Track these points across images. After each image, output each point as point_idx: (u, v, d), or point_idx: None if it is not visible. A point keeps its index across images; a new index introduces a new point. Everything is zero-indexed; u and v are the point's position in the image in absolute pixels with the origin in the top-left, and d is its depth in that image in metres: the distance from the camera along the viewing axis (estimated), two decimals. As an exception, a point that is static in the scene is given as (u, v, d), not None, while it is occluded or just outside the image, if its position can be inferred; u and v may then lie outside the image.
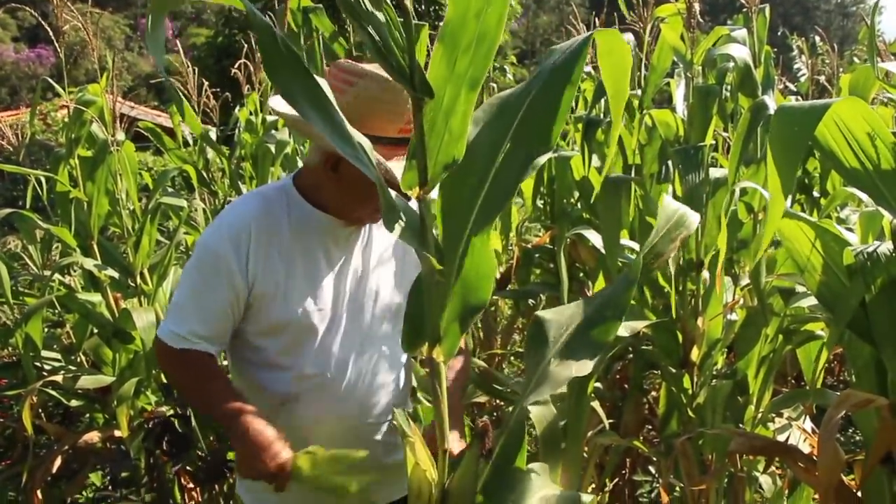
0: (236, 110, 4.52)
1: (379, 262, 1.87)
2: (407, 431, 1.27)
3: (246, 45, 4.36)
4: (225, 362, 2.19)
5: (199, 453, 3.09)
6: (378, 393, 1.89)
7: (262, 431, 1.62)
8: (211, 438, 3.00)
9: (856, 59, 6.80)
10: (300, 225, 1.80)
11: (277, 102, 1.75)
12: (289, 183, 1.86)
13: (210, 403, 1.79)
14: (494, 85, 4.06)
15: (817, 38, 6.40)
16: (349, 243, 1.84)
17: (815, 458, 2.29)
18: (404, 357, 1.95)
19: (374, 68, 1.62)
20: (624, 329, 2.42)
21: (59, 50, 3.26)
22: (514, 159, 1.12)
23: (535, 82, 1.14)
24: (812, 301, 2.30)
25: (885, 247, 1.78)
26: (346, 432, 1.82)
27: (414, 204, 1.15)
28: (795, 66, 6.59)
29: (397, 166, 1.53)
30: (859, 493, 1.90)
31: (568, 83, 1.10)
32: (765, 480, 2.70)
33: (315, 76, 0.99)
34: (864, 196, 2.09)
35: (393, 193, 1.10)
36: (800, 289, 2.38)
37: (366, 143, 1.07)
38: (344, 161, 1.63)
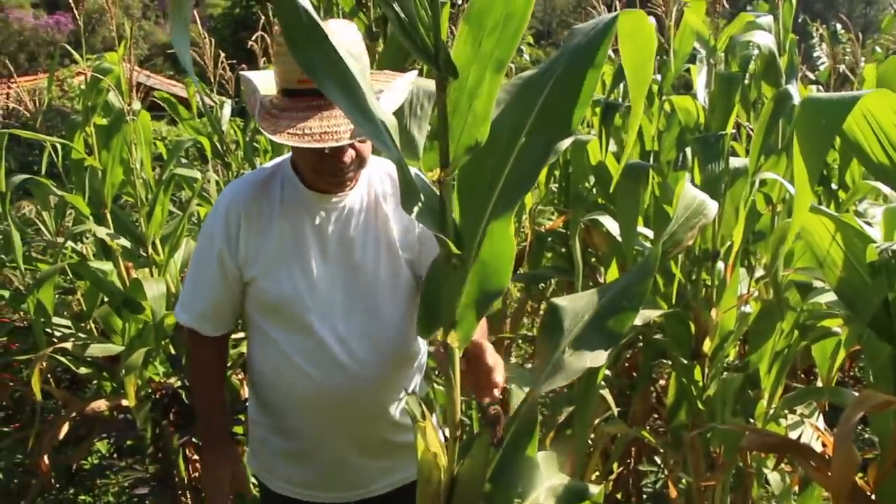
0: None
1: (372, 236, 1.84)
2: (418, 416, 1.26)
3: (263, 17, 4.33)
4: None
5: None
6: (385, 368, 1.87)
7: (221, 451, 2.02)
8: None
9: (878, 48, 6.69)
10: (291, 203, 1.81)
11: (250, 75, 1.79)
12: (286, 161, 1.87)
13: (196, 393, 2.09)
14: (512, 65, 4.00)
15: (839, 26, 6.30)
16: (338, 218, 1.82)
17: (828, 457, 2.28)
18: (414, 337, 1.93)
19: None
20: (637, 317, 2.39)
21: (77, 17, 3.25)
22: (535, 144, 1.09)
23: (558, 64, 1.10)
24: (830, 297, 2.27)
25: (910, 244, 1.75)
26: (354, 407, 1.81)
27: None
28: (815, 55, 6.50)
29: (315, 125, 1.55)
30: (873, 497, 1.87)
31: (591, 66, 1.07)
32: (773, 477, 2.68)
33: (339, 50, 0.95)
34: (887, 190, 2.06)
35: (413, 171, 1.06)
36: (817, 284, 2.35)
37: (389, 120, 1.02)
38: None
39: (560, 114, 1.08)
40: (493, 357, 1.67)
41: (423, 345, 2.00)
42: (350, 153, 1.70)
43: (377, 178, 1.87)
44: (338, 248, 1.81)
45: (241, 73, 1.88)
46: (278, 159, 1.94)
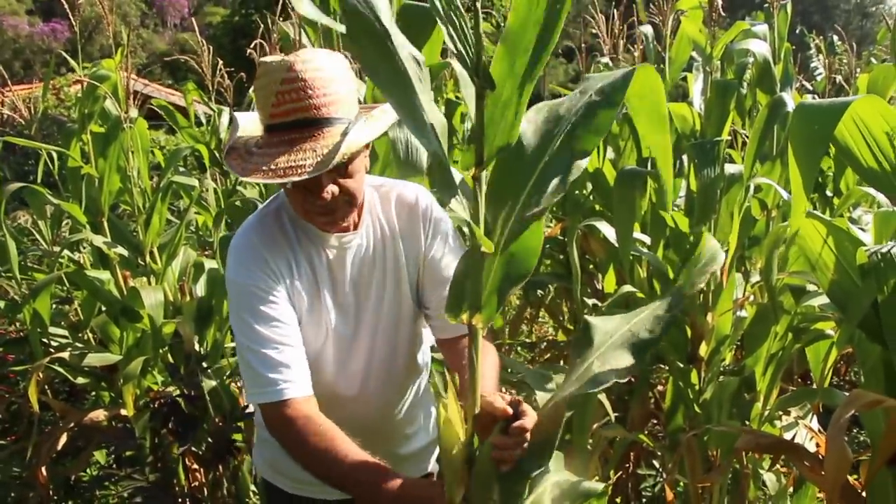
0: (250, 90, 4.51)
1: (377, 269, 1.82)
2: (441, 392, 1.32)
3: (262, 25, 4.35)
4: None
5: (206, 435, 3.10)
6: (392, 393, 1.89)
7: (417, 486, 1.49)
8: (217, 419, 3.00)
9: (873, 60, 6.74)
10: (303, 244, 1.75)
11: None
12: (284, 201, 1.78)
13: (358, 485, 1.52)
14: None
15: (835, 38, 6.35)
16: (346, 256, 1.77)
17: (821, 457, 2.29)
18: (416, 354, 1.94)
19: (269, 58, 1.56)
20: (633, 322, 2.41)
21: (74, 24, 3.26)
22: (560, 157, 1.25)
23: (582, 102, 1.28)
24: (823, 300, 2.29)
25: (901, 248, 1.76)
26: (363, 430, 1.80)
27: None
28: (812, 65, 6.54)
29: (283, 160, 1.49)
30: (864, 493, 1.89)
31: (610, 108, 1.25)
32: (769, 478, 2.69)
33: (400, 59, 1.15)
34: (879, 196, 2.08)
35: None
36: (810, 287, 2.37)
37: (438, 121, 1.17)
38: None
39: (581, 143, 1.25)
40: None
41: (425, 354, 2.00)
42: (330, 189, 1.59)
43: (385, 216, 1.82)
44: (349, 288, 1.80)
45: (234, 113, 1.82)
46: (272, 202, 1.84)
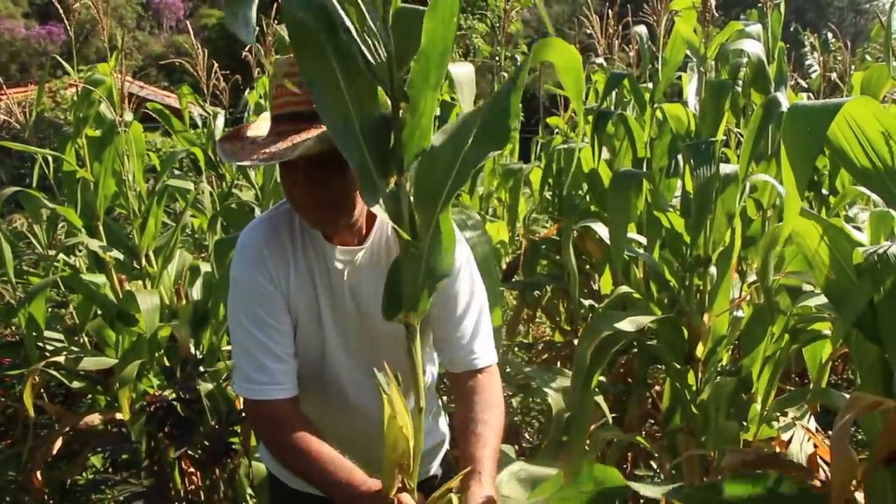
0: (246, 93, 4.51)
1: (374, 282, 1.82)
2: (385, 388, 1.35)
3: (257, 28, 4.34)
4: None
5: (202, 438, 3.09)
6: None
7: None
8: (213, 423, 3.00)
9: (868, 57, 6.74)
10: (306, 251, 1.75)
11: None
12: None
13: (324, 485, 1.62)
14: (505, 74, 4.01)
15: (829, 35, 6.35)
16: (349, 268, 1.76)
17: (819, 459, 2.29)
18: (425, 374, 1.92)
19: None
20: (629, 324, 2.41)
21: (69, 27, 3.25)
22: (472, 156, 1.35)
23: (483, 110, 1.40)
24: (820, 300, 2.29)
25: (896, 248, 1.76)
26: (358, 447, 1.79)
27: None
28: (807, 63, 6.54)
29: (273, 148, 1.53)
30: (860, 495, 1.88)
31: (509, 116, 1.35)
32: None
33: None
34: (874, 195, 2.08)
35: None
36: (807, 288, 2.37)
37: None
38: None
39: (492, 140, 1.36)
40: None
41: (431, 361, 1.99)
42: (303, 184, 1.61)
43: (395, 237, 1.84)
44: (350, 300, 1.79)
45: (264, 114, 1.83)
46: (283, 204, 1.83)
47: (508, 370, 3.25)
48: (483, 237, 2.73)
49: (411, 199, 1.39)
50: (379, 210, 1.34)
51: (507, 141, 1.33)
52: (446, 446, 2.14)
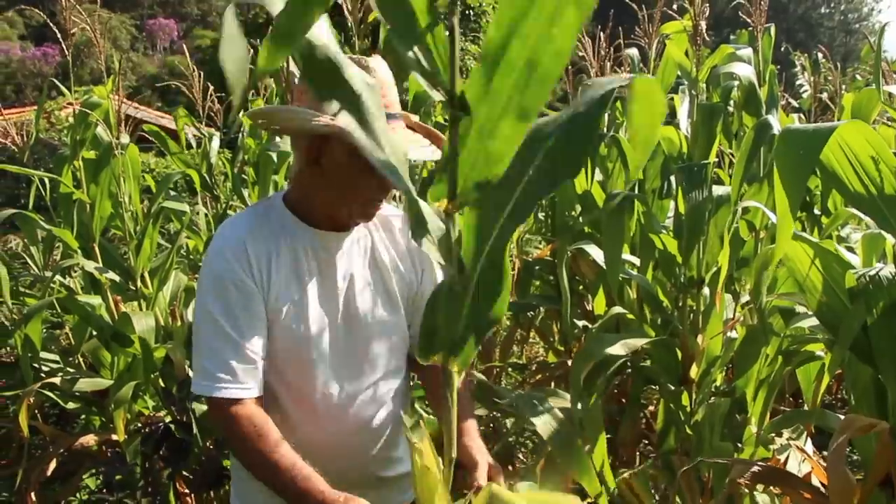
0: (240, 114, 4.53)
1: (367, 277, 1.84)
2: (414, 438, 1.25)
3: (252, 49, 4.37)
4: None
5: (197, 460, 3.08)
6: (375, 409, 1.85)
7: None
8: (208, 445, 2.99)
9: (858, 77, 6.80)
10: (290, 241, 1.76)
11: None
12: (277, 200, 1.82)
13: (267, 472, 1.62)
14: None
15: (820, 55, 6.42)
16: (337, 258, 1.79)
17: (811, 483, 2.29)
18: (402, 371, 1.94)
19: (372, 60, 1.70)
20: (622, 347, 2.42)
21: (65, 49, 3.26)
22: (538, 184, 1.10)
23: (564, 119, 1.13)
24: (812, 322, 2.30)
25: (888, 270, 1.78)
26: (344, 449, 1.81)
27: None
28: (798, 83, 6.60)
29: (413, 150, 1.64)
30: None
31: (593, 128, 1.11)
32: (762, 499, 2.68)
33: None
34: (866, 217, 2.10)
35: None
36: (800, 309, 2.38)
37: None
38: (327, 150, 1.65)
39: (564, 165, 1.09)
40: (475, 442, 1.71)
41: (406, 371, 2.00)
42: None
43: (383, 227, 1.89)
44: (338, 289, 1.80)
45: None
46: (266, 200, 1.89)
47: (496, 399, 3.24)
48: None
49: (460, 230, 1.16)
50: (427, 244, 1.12)
51: (581, 168, 1.16)
52: None
